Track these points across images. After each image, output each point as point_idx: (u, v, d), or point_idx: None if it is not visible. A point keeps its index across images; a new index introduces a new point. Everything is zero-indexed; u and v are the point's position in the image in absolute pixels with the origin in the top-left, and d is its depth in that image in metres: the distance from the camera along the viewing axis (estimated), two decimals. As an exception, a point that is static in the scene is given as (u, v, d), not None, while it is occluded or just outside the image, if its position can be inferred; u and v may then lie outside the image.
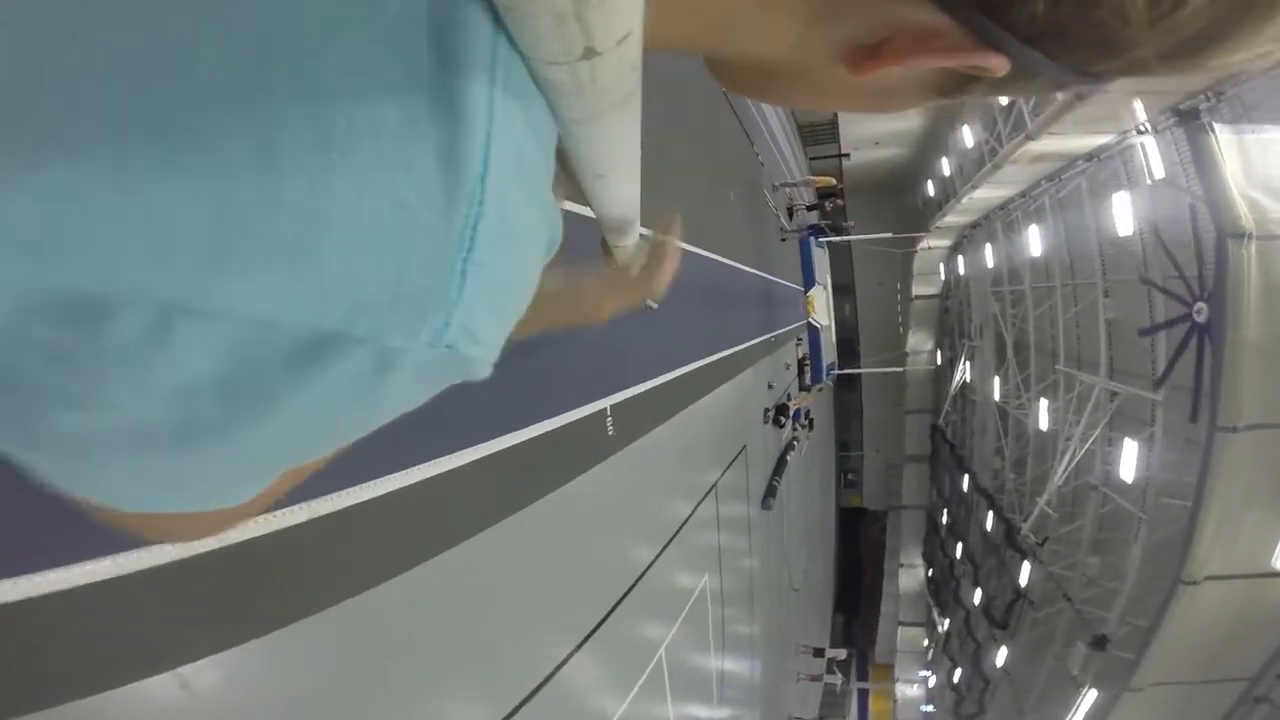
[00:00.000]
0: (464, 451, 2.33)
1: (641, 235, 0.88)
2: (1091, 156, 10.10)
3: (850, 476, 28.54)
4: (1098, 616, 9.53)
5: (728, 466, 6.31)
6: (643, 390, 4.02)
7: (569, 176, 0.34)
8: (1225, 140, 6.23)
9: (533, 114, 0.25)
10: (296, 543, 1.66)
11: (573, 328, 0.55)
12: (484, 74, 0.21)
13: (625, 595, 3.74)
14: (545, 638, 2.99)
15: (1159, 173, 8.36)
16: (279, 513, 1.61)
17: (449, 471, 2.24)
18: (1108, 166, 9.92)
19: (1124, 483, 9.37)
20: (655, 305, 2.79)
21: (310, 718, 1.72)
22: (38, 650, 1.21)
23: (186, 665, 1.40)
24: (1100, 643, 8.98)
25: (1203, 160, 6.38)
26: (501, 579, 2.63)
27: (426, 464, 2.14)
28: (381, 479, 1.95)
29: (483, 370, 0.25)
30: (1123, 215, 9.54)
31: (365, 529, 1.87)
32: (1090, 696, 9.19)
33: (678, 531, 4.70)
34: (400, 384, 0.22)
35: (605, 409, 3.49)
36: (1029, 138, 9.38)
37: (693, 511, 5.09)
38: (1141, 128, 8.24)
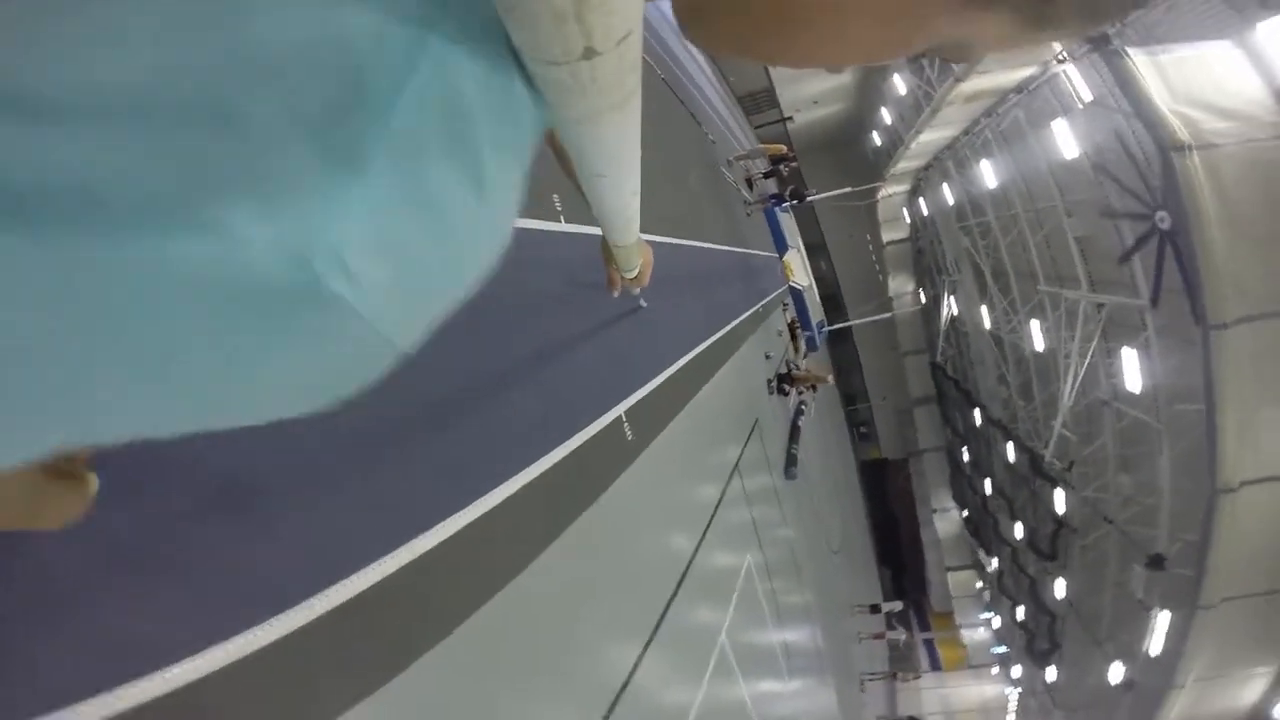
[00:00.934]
0: (501, 487, 2.43)
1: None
2: (1021, 89, 10.44)
3: (863, 429, 28.60)
4: (1146, 535, 9.46)
5: (745, 443, 6.44)
6: (651, 390, 4.14)
7: (570, 176, 0.33)
8: (1141, 62, 6.47)
9: (495, 88, 0.24)
10: (372, 602, 1.76)
11: None
12: (418, 17, 0.21)
13: (678, 588, 3.86)
14: (613, 647, 3.10)
15: (1088, 96, 8.69)
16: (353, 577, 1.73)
17: (495, 508, 2.34)
18: (1039, 96, 10.23)
19: (1133, 394, 9.41)
20: (645, 304, 3.18)
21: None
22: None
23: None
24: (1157, 562, 8.76)
25: (1126, 83, 6.62)
26: (559, 599, 2.72)
27: (472, 505, 2.24)
28: (440, 525, 2.03)
29: (370, 342, 0.22)
30: (1065, 140, 9.83)
31: (434, 577, 1.95)
32: (1164, 618, 8.98)
33: (714, 515, 4.84)
34: (255, 317, 0.19)
35: (620, 416, 3.59)
36: (958, 79, 9.74)
37: (723, 493, 5.21)
38: (1060, 57, 8.59)
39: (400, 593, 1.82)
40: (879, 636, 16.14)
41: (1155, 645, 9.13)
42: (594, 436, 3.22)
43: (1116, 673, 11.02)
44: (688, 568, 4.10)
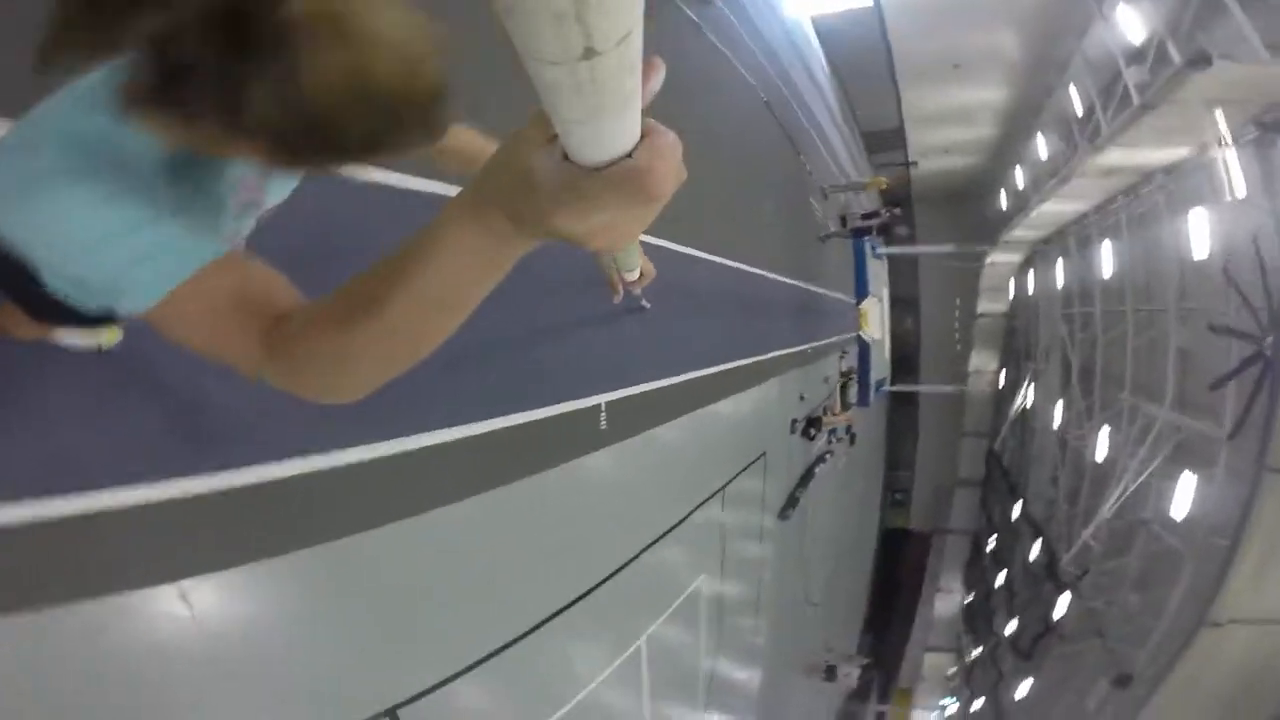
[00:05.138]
0: (456, 427, 2.52)
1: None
2: (1170, 171, 9.57)
3: (899, 496, 27.60)
4: (1128, 655, 9.03)
5: (741, 471, 6.18)
6: (645, 390, 4.02)
7: (576, 177, 0.34)
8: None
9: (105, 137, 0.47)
10: (295, 488, 1.93)
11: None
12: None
13: (611, 577, 3.73)
14: (522, 600, 3.08)
15: (1241, 191, 7.85)
16: (286, 462, 1.90)
17: (442, 444, 2.44)
18: (1189, 181, 9.35)
19: (1174, 520, 8.80)
20: (648, 305, 3.16)
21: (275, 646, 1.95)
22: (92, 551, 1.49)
23: (187, 579, 1.69)
24: (1124, 681, 8.55)
25: (1273, 175, 6.01)
26: (495, 539, 2.78)
27: (420, 434, 2.36)
28: (382, 442, 2.20)
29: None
30: (1199, 236, 9.00)
31: (358, 484, 2.11)
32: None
33: (677, 525, 4.62)
34: None
35: (600, 404, 3.53)
36: (1096, 149, 9.02)
37: (693, 510, 4.96)
38: (1222, 140, 7.79)
39: (301, 491, 1.97)
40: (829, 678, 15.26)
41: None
42: (564, 414, 3.22)
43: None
44: (628, 563, 3.97)
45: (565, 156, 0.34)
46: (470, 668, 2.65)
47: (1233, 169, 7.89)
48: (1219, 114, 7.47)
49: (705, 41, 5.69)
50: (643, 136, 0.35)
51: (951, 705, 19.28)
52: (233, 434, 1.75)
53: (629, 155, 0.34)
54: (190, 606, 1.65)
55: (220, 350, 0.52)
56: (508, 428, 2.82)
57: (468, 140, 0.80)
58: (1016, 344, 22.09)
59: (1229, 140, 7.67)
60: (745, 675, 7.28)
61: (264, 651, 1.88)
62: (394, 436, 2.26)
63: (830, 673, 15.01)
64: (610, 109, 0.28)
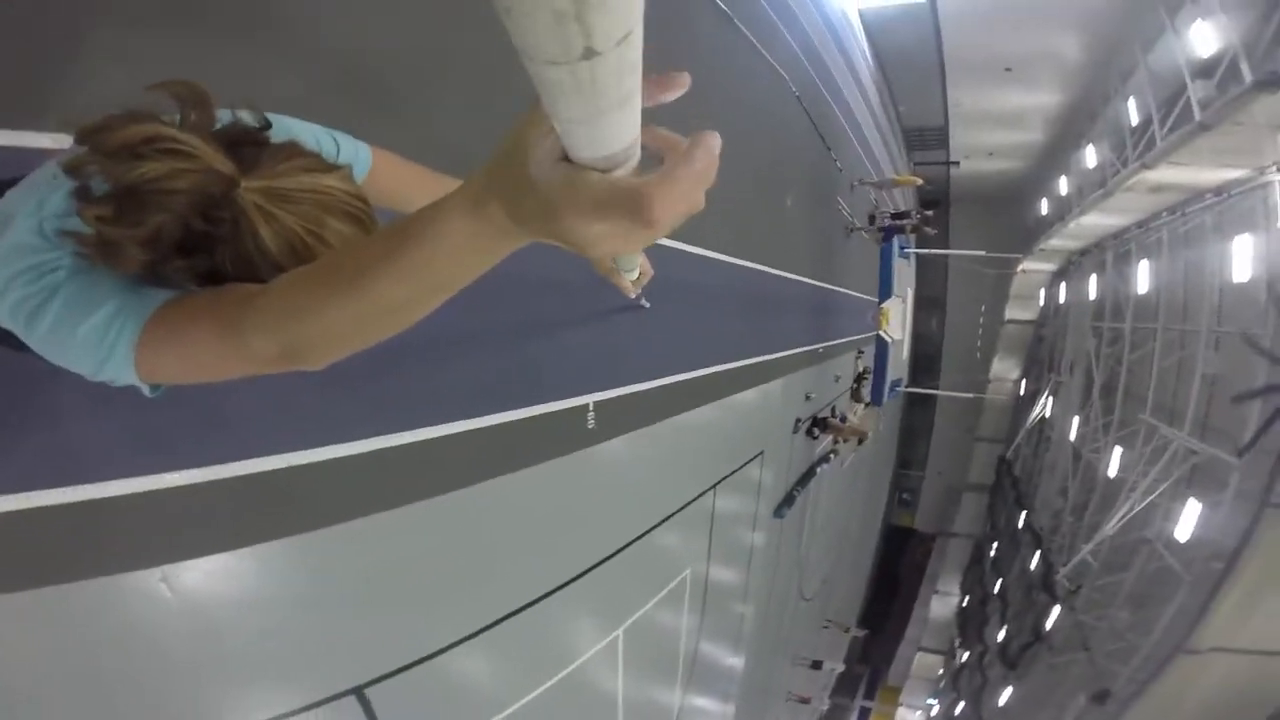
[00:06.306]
0: (432, 427, 2.53)
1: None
2: (1220, 191, 9.36)
3: (906, 496, 27.66)
4: (1111, 671, 9.24)
5: (735, 470, 6.04)
6: (636, 390, 3.95)
7: (574, 180, 0.33)
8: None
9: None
10: (274, 482, 1.96)
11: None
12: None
13: (603, 562, 3.73)
14: (497, 591, 3.10)
15: (1289, 217, 7.75)
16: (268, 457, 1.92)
17: (418, 442, 2.45)
18: (1241, 204, 9.15)
19: (1177, 541, 8.90)
20: (648, 304, 3.47)
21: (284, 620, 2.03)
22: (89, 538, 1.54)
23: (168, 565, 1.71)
24: (1101, 697, 8.74)
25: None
26: (472, 533, 2.80)
27: (409, 430, 2.40)
28: (377, 437, 2.27)
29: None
30: (1242, 259, 8.86)
31: (334, 479, 2.15)
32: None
33: (662, 522, 4.59)
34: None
35: (588, 404, 3.48)
36: (1145, 166, 8.84)
37: (682, 507, 4.90)
38: None
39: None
40: (805, 700, 15.50)
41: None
42: (550, 414, 3.17)
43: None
44: (609, 558, 3.96)
45: (564, 155, 0.34)
46: (443, 650, 2.70)
47: (1285, 194, 7.79)
48: (1280, 136, 7.33)
49: (735, 32, 5.53)
50: (664, 156, 0.34)
51: (935, 706, 19.66)
52: (213, 433, 1.79)
53: (637, 167, 0.34)
54: (171, 590, 1.71)
55: (209, 347, 0.56)
56: (489, 427, 2.77)
57: (396, 175, 0.88)
58: (1041, 354, 21.81)
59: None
60: (729, 659, 7.33)
61: (235, 633, 1.94)
62: (366, 436, 2.26)
63: (817, 665, 15.27)
64: (610, 109, 0.28)
